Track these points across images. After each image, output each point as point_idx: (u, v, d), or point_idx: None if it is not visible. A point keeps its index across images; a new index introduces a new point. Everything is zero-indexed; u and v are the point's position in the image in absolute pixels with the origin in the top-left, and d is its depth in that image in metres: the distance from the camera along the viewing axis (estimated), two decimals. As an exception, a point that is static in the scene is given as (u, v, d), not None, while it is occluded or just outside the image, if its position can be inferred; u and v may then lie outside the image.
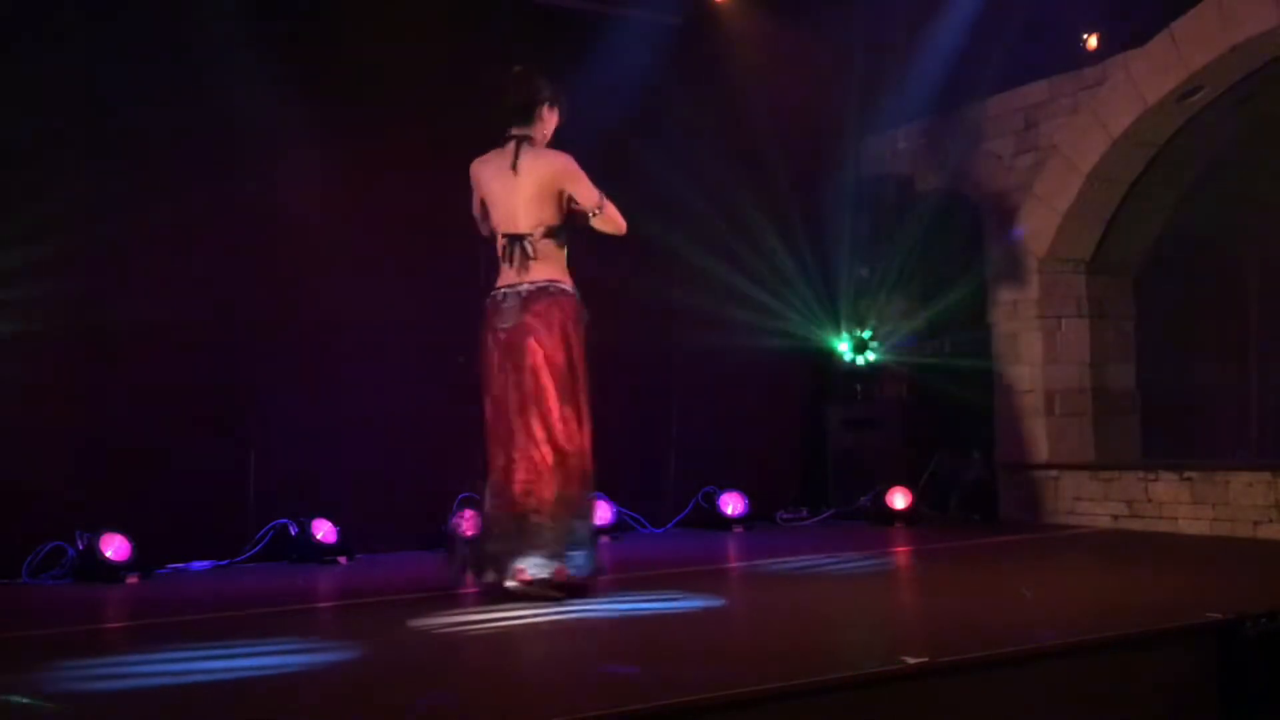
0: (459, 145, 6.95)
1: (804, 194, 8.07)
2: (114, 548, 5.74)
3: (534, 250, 4.81)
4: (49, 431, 5.94)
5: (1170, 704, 3.63)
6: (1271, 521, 6.18)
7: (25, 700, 3.04)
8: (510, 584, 4.65)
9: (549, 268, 4.85)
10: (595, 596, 4.77)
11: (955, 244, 7.88)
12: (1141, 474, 6.87)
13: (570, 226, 4.93)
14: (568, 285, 4.88)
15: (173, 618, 4.72)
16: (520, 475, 4.73)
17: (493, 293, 4.92)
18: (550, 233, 4.86)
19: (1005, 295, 7.70)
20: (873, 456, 8.02)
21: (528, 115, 4.93)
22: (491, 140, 5.23)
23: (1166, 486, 6.70)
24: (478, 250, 7.27)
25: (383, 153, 6.78)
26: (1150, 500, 6.77)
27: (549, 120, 4.97)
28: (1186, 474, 6.61)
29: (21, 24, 5.98)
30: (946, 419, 7.94)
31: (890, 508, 7.53)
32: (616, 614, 4.53)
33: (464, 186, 5.59)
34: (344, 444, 6.63)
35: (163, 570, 6.01)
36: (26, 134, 5.93)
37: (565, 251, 4.93)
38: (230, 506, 6.37)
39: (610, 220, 4.92)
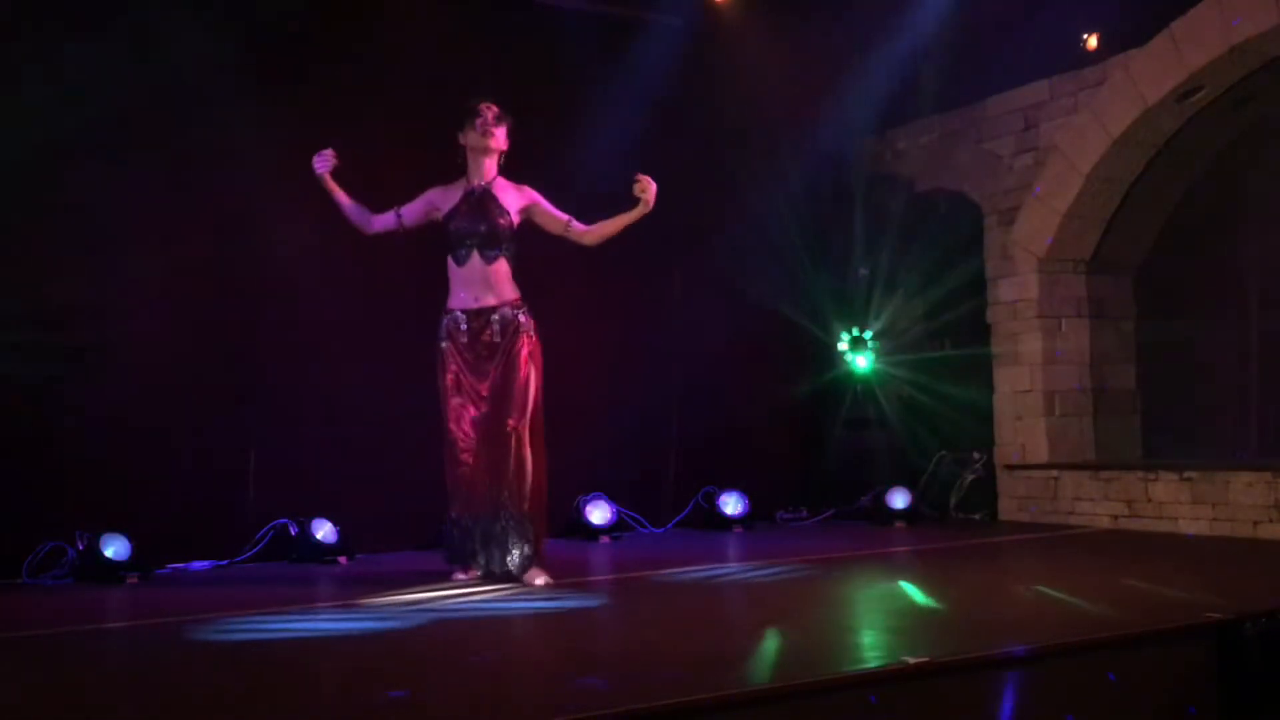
0: (457, 149, 6.97)
1: (803, 194, 8.07)
2: (114, 548, 5.74)
3: None
4: (49, 432, 5.94)
5: (1170, 704, 3.63)
6: (1271, 521, 6.18)
7: None
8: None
9: None
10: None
11: (955, 244, 7.88)
12: (1141, 474, 6.87)
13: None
14: None
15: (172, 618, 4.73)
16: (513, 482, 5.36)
17: None
18: None
19: (1005, 295, 7.70)
20: (873, 456, 8.02)
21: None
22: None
23: (1166, 486, 6.70)
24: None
25: (384, 156, 6.78)
26: (1150, 500, 6.77)
27: (463, 141, 5.45)
28: (1186, 474, 6.61)
29: (23, 37, 5.98)
30: (946, 419, 7.94)
31: (890, 508, 7.53)
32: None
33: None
34: (344, 444, 6.63)
35: (163, 570, 6.01)
36: (31, 149, 5.92)
37: (450, 267, 5.42)
38: (230, 506, 6.36)
39: None
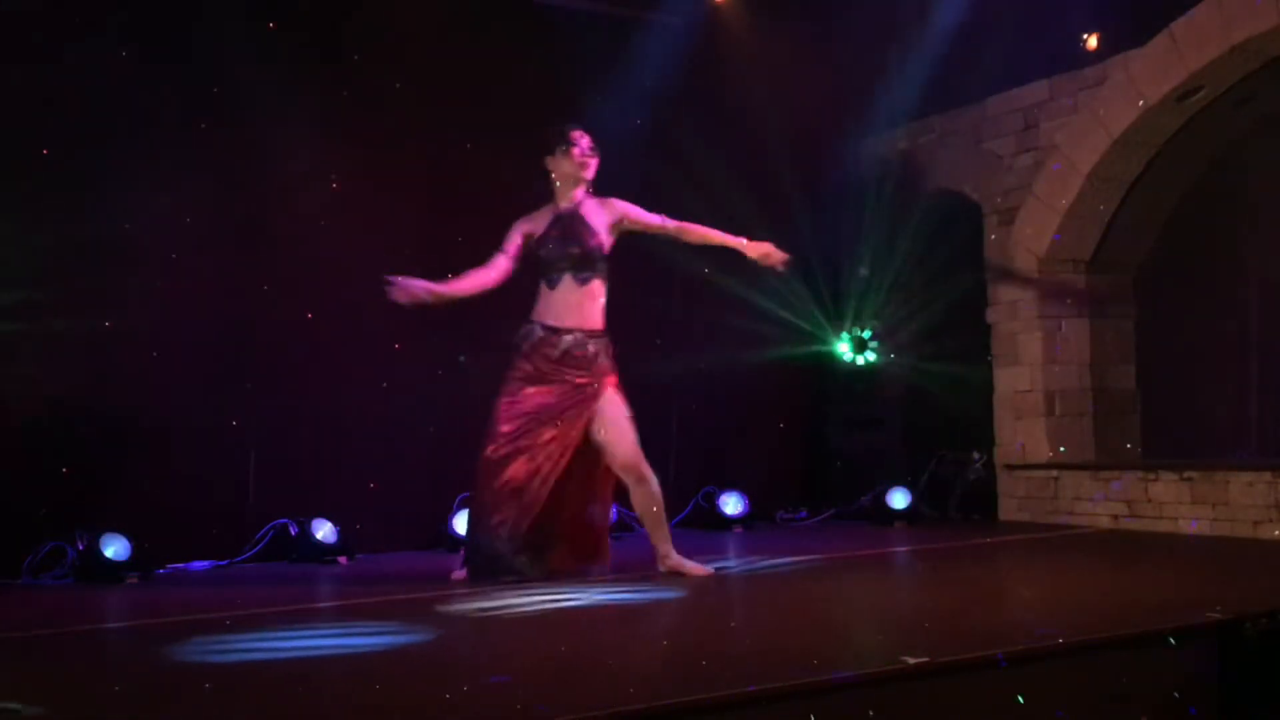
0: (462, 151, 6.99)
1: (804, 194, 8.06)
2: (114, 548, 5.75)
3: None
4: (49, 432, 5.94)
5: (1170, 704, 3.63)
6: (1271, 521, 6.18)
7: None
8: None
9: None
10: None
11: (955, 244, 7.88)
12: (1141, 474, 6.87)
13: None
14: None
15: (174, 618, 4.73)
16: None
17: None
18: None
19: (1005, 295, 7.70)
20: (873, 456, 8.02)
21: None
22: (494, 143, 5.36)
23: (1166, 486, 6.70)
24: (481, 253, 7.30)
25: (385, 157, 6.79)
26: (1150, 500, 6.77)
27: (553, 167, 5.40)
28: (1186, 474, 6.61)
29: (26, 34, 5.97)
30: (946, 419, 7.94)
31: (890, 508, 7.53)
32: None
33: (466, 191, 5.64)
34: (344, 444, 6.63)
35: (163, 570, 6.01)
36: (32, 138, 5.92)
37: (541, 289, 5.36)
38: (230, 506, 6.37)
39: None
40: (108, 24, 6.07)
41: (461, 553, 5.51)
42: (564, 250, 5.29)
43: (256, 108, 6.32)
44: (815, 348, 8.30)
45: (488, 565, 5.22)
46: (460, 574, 5.37)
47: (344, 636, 4.26)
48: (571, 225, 5.34)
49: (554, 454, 5.20)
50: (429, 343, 6.87)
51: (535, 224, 5.41)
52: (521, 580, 5.14)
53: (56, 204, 5.94)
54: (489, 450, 5.20)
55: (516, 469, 5.18)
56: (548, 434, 5.20)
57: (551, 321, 5.27)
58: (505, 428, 5.20)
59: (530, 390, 5.23)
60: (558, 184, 5.41)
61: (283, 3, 6.65)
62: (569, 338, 5.24)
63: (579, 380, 5.22)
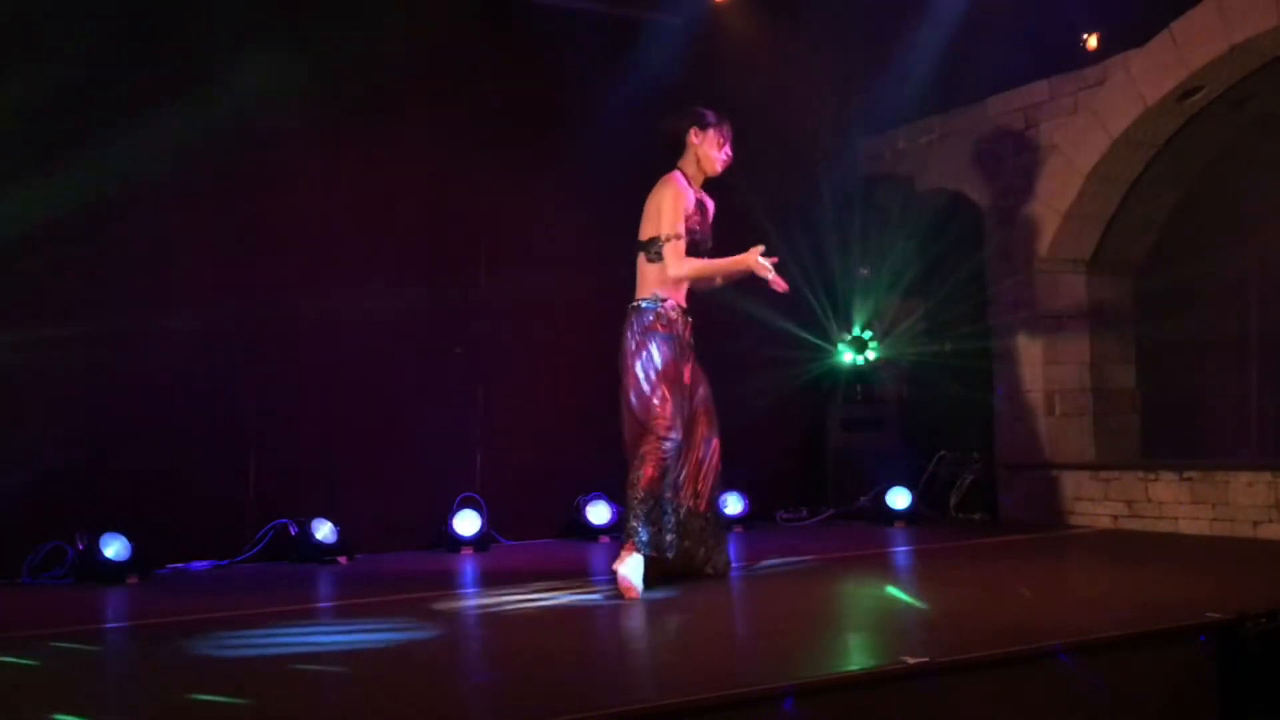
0: (459, 149, 6.97)
1: (804, 194, 8.06)
2: (114, 548, 5.75)
3: (639, 266, 5.19)
4: (50, 432, 5.94)
5: (1170, 704, 3.63)
6: (1271, 521, 6.18)
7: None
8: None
9: (642, 285, 5.21)
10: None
11: (955, 244, 7.88)
12: (1141, 474, 6.87)
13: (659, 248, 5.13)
14: (640, 301, 5.20)
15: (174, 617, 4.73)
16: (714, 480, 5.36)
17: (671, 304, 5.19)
18: (641, 248, 5.19)
19: (1005, 295, 7.70)
20: (873, 456, 8.02)
21: (678, 147, 5.38)
22: (495, 143, 5.31)
23: (1166, 486, 6.70)
24: (479, 250, 7.31)
25: (383, 156, 6.80)
26: (1150, 500, 6.77)
27: (697, 143, 5.36)
28: (1186, 474, 6.61)
29: (22, 37, 5.96)
30: (946, 419, 7.94)
31: (890, 508, 7.53)
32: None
33: (466, 189, 5.60)
34: (344, 444, 6.63)
35: (163, 570, 6.01)
36: (31, 142, 5.92)
37: (657, 269, 5.16)
38: (230, 506, 6.37)
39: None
40: (101, 23, 6.05)
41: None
42: (705, 234, 5.30)
43: (258, 108, 6.32)
44: (816, 348, 8.28)
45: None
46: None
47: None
48: (705, 208, 5.36)
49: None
50: (429, 342, 6.88)
51: (688, 201, 5.27)
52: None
53: (53, 204, 5.93)
54: (673, 432, 5.12)
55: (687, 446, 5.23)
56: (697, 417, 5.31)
57: (683, 302, 5.27)
58: (673, 408, 5.12)
59: (682, 366, 5.21)
60: (699, 163, 5.36)
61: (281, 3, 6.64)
62: (690, 318, 5.29)
63: (693, 359, 5.30)
